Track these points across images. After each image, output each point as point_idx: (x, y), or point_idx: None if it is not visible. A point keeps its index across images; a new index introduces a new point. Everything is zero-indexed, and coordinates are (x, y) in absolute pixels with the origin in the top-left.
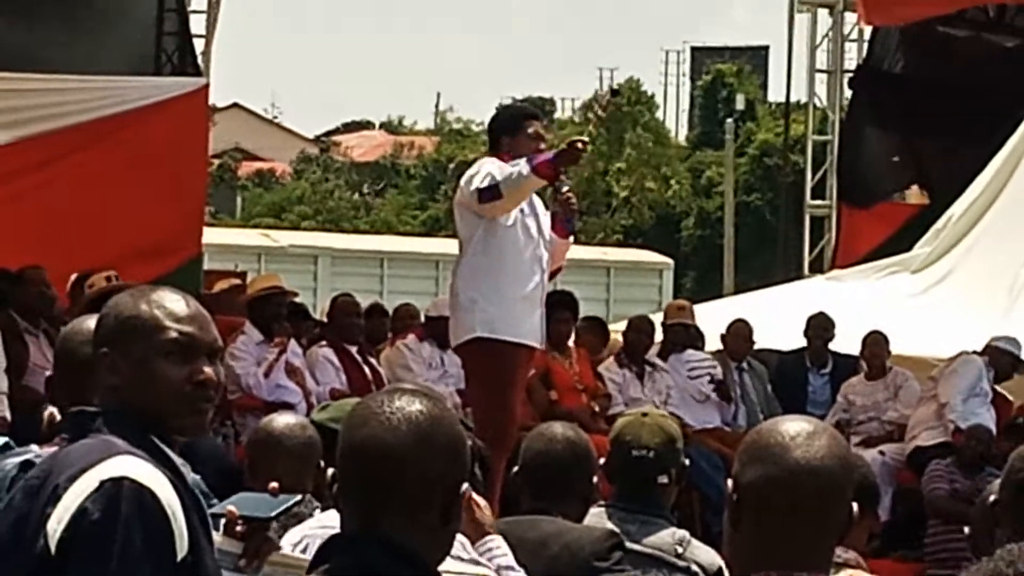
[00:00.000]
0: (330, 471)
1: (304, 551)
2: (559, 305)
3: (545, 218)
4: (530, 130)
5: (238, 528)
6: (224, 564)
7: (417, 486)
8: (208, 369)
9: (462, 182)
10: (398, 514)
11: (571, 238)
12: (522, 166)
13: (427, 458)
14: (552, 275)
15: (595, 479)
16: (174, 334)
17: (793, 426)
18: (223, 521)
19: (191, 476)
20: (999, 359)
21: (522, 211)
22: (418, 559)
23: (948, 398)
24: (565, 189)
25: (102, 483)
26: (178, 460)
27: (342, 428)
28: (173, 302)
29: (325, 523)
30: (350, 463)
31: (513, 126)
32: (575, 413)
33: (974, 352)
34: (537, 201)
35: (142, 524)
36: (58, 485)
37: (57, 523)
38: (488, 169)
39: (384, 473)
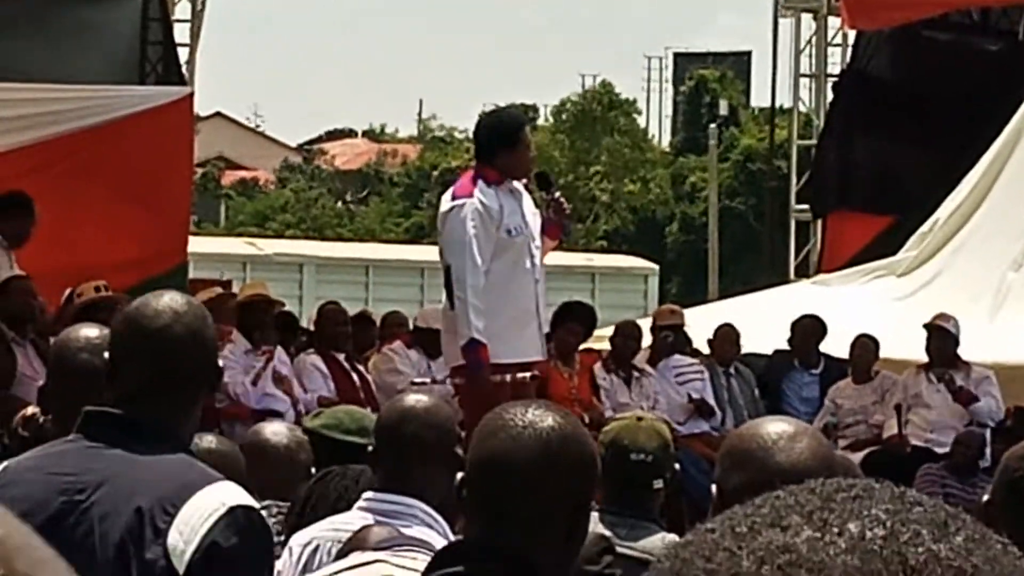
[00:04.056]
0: (458, 476)
1: (314, 552)
2: (571, 316)
3: (537, 224)
4: (525, 141)
5: None
6: None
7: (544, 502)
8: None
9: (450, 218)
10: (523, 528)
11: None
12: (469, 335)
13: (556, 475)
14: None
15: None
16: None
17: (774, 428)
18: None
19: None
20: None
21: (511, 231)
22: (540, 572)
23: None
24: (557, 194)
25: (231, 509)
26: None
27: (474, 437)
28: None
29: (337, 525)
30: (479, 475)
31: (511, 139)
32: None
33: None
34: (528, 207)
35: (269, 557)
36: (164, 499)
37: (184, 543)
38: (468, 237)
39: (512, 488)
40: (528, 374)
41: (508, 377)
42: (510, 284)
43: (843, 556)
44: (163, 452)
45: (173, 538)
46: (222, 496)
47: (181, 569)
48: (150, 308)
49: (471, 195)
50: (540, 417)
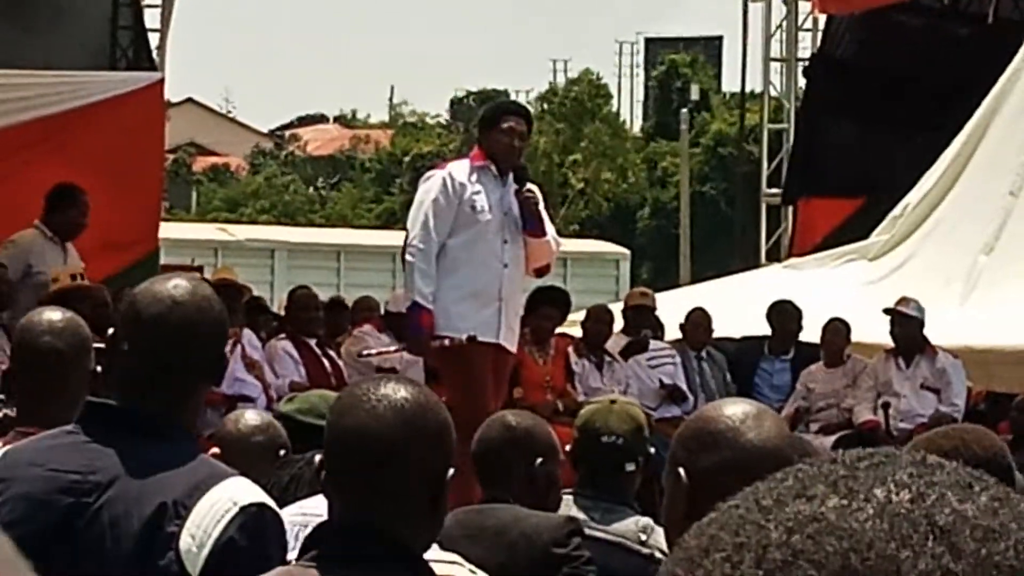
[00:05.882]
0: (317, 457)
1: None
2: (546, 301)
3: (517, 215)
4: (504, 125)
5: None
6: None
7: (404, 475)
8: None
9: (419, 187)
10: (386, 502)
11: (548, 237)
12: (412, 297)
13: (414, 447)
14: (539, 273)
15: (539, 462)
16: None
17: (738, 409)
18: None
19: None
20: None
21: (475, 207)
22: (405, 547)
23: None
24: (525, 187)
25: (243, 508)
26: None
27: (329, 415)
28: None
29: (306, 510)
30: (337, 451)
31: (491, 121)
32: (536, 407)
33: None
34: (512, 199)
35: (282, 555)
36: (174, 502)
37: (197, 546)
38: (426, 203)
39: (371, 462)
40: (465, 336)
41: (447, 342)
42: (470, 261)
43: (872, 521)
44: (166, 447)
45: (185, 541)
46: (233, 494)
47: (195, 573)
48: (149, 294)
49: (444, 168)
50: (394, 390)
